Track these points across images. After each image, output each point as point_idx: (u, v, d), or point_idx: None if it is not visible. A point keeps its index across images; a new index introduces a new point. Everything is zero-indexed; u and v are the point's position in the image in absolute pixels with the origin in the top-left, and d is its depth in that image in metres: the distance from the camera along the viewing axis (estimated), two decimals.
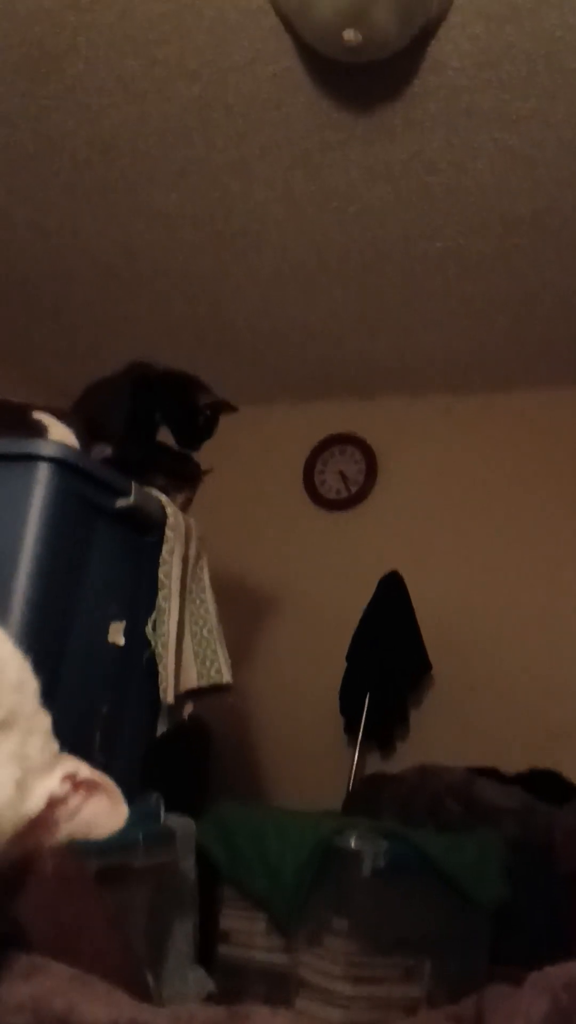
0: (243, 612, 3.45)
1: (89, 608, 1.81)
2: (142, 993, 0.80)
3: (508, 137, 2.19)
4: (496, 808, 2.55)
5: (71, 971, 0.66)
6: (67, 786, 0.65)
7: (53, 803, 0.63)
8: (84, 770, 0.66)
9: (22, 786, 0.60)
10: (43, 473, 1.68)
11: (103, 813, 0.66)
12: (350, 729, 3.21)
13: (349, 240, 2.66)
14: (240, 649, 2.98)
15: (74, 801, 0.65)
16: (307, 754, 3.32)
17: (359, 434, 3.65)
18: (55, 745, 0.67)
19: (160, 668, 1.91)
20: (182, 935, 1.96)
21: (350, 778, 3.11)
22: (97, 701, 1.85)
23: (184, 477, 2.16)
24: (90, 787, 0.66)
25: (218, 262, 2.84)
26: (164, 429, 2.13)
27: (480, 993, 0.71)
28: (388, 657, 3.12)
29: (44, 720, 0.66)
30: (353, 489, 3.64)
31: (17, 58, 2.10)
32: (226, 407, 2.13)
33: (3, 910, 0.75)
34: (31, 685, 0.66)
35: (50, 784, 0.63)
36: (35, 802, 0.61)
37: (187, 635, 2.01)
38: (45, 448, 1.70)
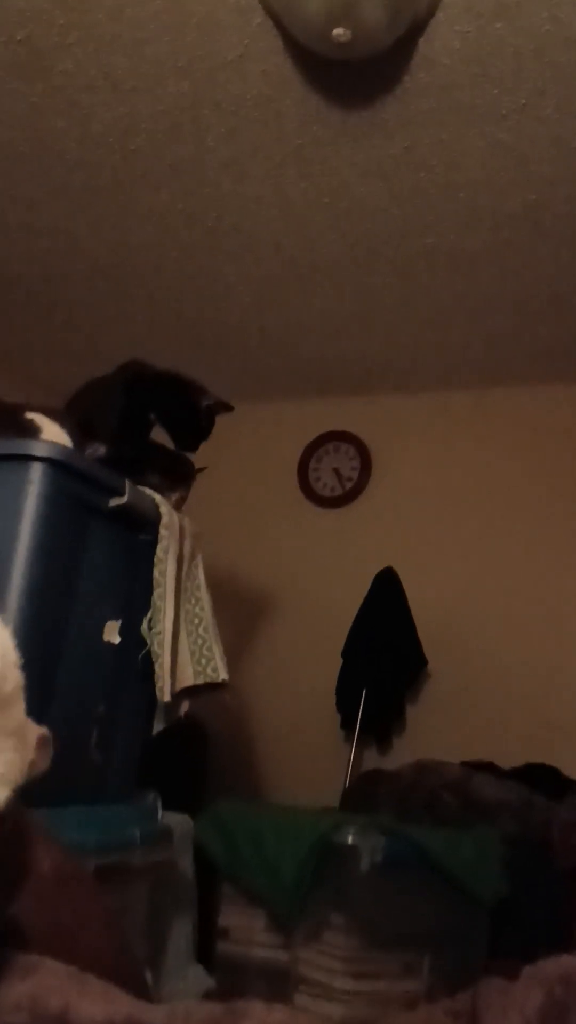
0: (239, 610, 3.45)
1: (84, 607, 1.81)
2: (140, 991, 0.81)
3: (499, 133, 2.19)
4: (493, 803, 2.55)
5: (68, 969, 0.66)
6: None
7: (41, 744, 0.75)
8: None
9: (26, 742, 0.72)
10: (36, 473, 1.68)
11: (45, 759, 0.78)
12: (347, 725, 3.22)
13: (341, 237, 2.66)
14: (236, 647, 2.99)
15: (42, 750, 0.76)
16: (304, 751, 3.33)
17: (353, 431, 3.66)
18: None
19: (156, 667, 1.91)
20: (181, 933, 1.97)
21: (347, 774, 3.11)
22: (93, 700, 1.85)
23: (178, 475, 2.16)
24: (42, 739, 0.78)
25: (210, 260, 2.84)
26: (158, 429, 2.13)
27: (475, 987, 0.71)
28: (384, 653, 3.12)
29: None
30: (348, 486, 3.64)
31: (6, 57, 2.10)
32: (223, 407, 2.13)
33: (1, 909, 0.75)
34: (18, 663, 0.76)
35: (32, 734, 0.73)
36: (31, 751, 0.72)
37: (183, 633, 2.01)
38: (38, 448, 1.70)
